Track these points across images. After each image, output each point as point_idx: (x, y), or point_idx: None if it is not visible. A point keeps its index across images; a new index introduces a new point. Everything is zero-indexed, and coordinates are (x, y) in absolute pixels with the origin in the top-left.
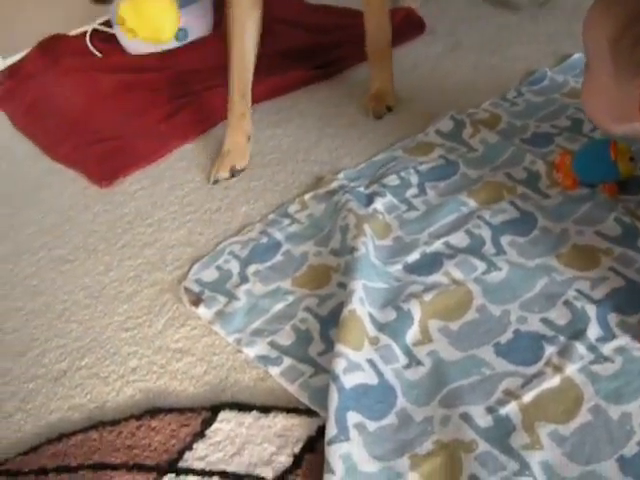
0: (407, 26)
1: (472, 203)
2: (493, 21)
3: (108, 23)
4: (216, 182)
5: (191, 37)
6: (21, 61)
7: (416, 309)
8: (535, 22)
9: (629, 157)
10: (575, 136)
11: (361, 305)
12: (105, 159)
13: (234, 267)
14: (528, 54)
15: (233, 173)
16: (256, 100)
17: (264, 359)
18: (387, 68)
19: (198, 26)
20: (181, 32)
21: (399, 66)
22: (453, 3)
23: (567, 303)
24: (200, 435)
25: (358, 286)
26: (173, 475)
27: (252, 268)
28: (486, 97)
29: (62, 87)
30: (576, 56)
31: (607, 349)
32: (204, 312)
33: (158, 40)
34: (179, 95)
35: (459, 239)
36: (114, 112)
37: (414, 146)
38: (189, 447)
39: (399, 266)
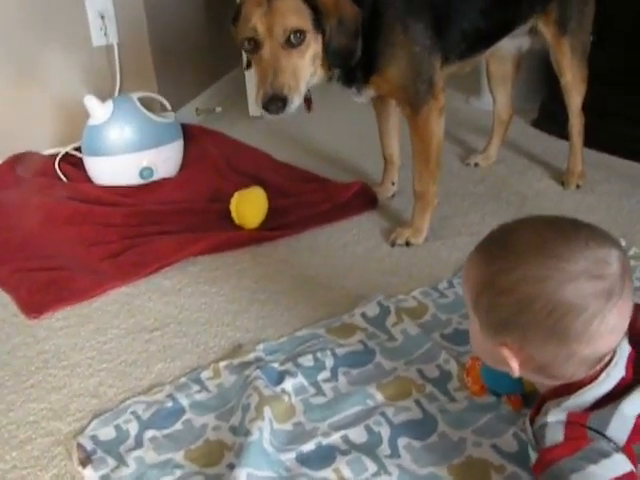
0: (359, 199)
1: (379, 397)
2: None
3: (79, 148)
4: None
5: (156, 177)
6: None
7: None
8: (482, 212)
9: None
10: None
11: None
12: (40, 289)
13: (133, 429)
14: (468, 245)
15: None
16: (198, 252)
17: None
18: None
19: (165, 167)
20: (146, 171)
21: (341, 239)
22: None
23: None
24: None
25: (242, 475)
26: None
27: (150, 433)
28: (419, 283)
29: (20, 206)
30: None
31: None
32: (90, 474)
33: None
34: (130, 235)
35: (357, 434)
36: (63, 241)
37: (337, 326)
38: None
39: (292, 454)
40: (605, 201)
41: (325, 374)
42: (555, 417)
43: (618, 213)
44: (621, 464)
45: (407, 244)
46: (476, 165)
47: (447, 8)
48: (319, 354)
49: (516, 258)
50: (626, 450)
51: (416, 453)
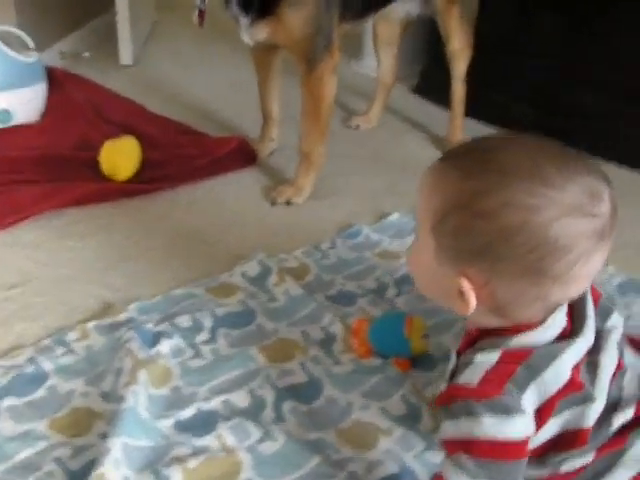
0: (237, 155)
1: (261, 359)
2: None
3: None
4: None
5: (15, 121)
6: None
7: (177, 477)
8: (363, 174)
9: (423, 334)
10: (378, 300)
11: (115, 468)
12: None
13: None
14: (350, 206)
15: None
16: (63, 205)
17: None
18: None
19: (25, 111)
20: (3, 114)
21: (219, 195)
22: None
23: None
24: None
25: (116, 444)
26: None
27: (7, 401)
28: (300, 244)
29: None
30: (394, 216)
31: None
32: None
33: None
34: None
35: (240, 398)
36: None
37: (216, 286)
38: None
39: (170, 421)
40: None
41: (204, 335)
42: (485, 357)
43: None
44: (517, 427)
45: (288, 203)
46: (357, 127)
47: None
48: (197, 314)
49: (502, 179)
50: (548, 404)
51: (302, 417)
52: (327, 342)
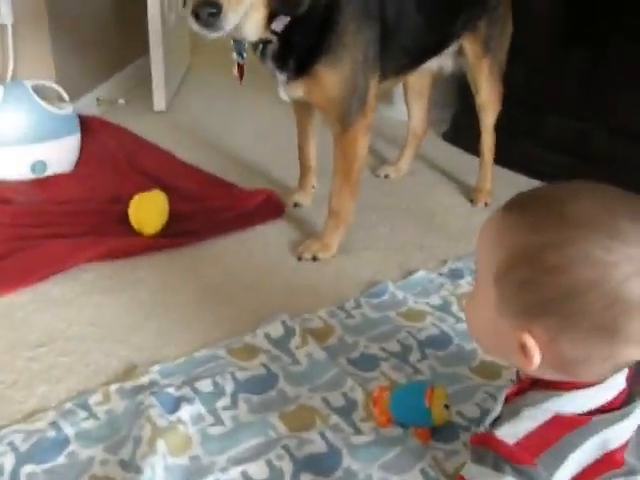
0: (265, 208)
1: (281, 428)
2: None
3: None
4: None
5: (49, 172)
6: None
7: None
8: (391, 226)
9: (444, 404)
10: (401, 365)
11: None
12: None
13: (8, 463)
14: (376, 260)
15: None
16: (93, 259)
17: None
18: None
19: (60, 162)
20: (39, 165)
21: (246, 250)
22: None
23: None
24: None
25: None
26: None
27: (27, 468)
28: (325, 301)
29: None
30: (420, 274)
31: None
32: None
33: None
34: (17, 236)
35: (258, 469)
36: None
37: (239, 347)
38: None
39: None
40: None
41: (225, 401)
42: (532, 414)
43: None
44: None
45: (314, 259)
46: (387, 177)
47: (395, 22)
48: (218, 378)
49: (575, 231)
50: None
51: None
52: (348, 409)
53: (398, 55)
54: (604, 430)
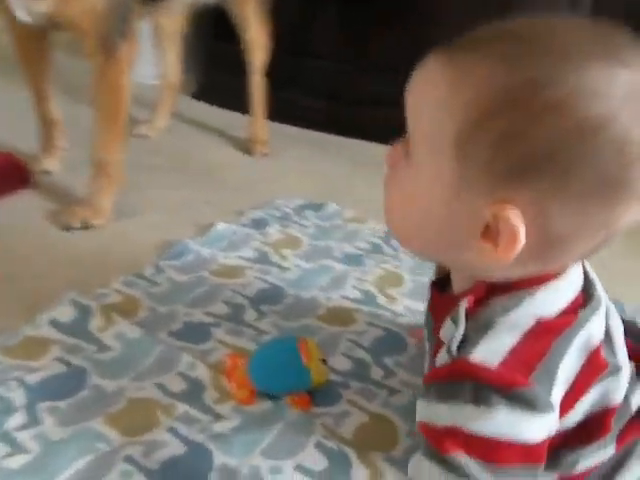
0: (7, 176)
1: (113, 435)
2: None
3: None
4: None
5: None
6: None
7: None
8: (167, 186)
9: (321, 359)
10: (238, 327)
11: None
12: None
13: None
14: (162, 222)
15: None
16: None
17: None
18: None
19: None
20: None
21: None
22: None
23: None
24: None
25: None
26: None
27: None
28: (116, 273)
29: None
30: (221, 226)
31: None
32: None
33: None
34: None
35: None
36: None
37: (17, 344)
38: None
39: None
40: (296, 166)
41: (18, 419)
42: (511, 321)
43: (313, 176)
44: (541, 428)
45: (86, 227)
46: (145, 136)
47: None
48: (1, 389)
49: (570, 63)
50: (576, 387)
51: None
52: (194, 393)
53: None
54: (586, 325)
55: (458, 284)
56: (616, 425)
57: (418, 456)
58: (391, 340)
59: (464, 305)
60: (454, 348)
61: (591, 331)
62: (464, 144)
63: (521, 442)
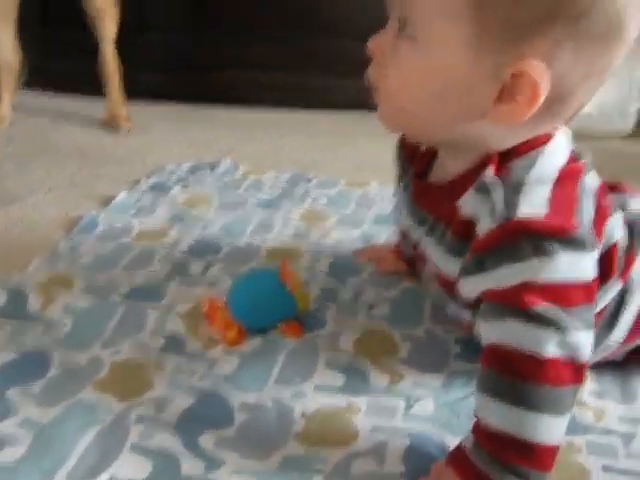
0: None
1: (112, 402)
2: None
3: None
4: None
5: None
6: None
7: None
8: (48, 168)
9: (301, 283)
10: (191, 280)
11: None
12: None
13: None
14: (57, 199)
15: None
16: None
17: None
18: None
19: None
20: None
21: None
22: None
23: None
24: None
25: None
26: None
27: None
28: (31, 254)
29: None
30: (122, 196)
31: None
32: None
33: None
34: None
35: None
36: None
37: None
38: None
39: None
40: (167, 136)
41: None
42: (539, 174)
43: (187, 143)
44: (591, 267)
45: None
46: None
47: None
48: None
49: None
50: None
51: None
52: (176, 346)
53: None
54: (588, 172)
55: (453, 169)
56: (618, 263)
57: (504, 321)
58: (344, 264)
59: (490, 173)
60: (500, 209)
61: (591, 178)
62: (479, 5)
63: (583, 282)
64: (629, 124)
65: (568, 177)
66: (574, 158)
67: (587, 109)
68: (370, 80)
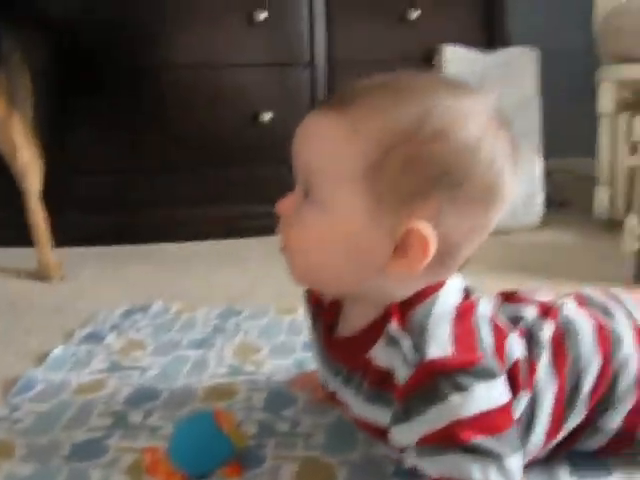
0: None
1: None
2: None
3: None
4: None
5: None
6: None
7: None
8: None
9: (236, 424)
10: (132, 432)
11: None
12: None
13: None
14: None
15: None
16: None
17: None
18: None
19: None
20: None
21: None
22: None
23: None
24: None
25: None
26: None
27: None
28: None
29: None
30: (57, 351)
31: None
32: None
33: None
34: None
35: None
36: None
37: None
38: None
39: None
40: (99, 280)
41: None
42: (438, 317)
43: (119, 285)
44: (504, 390)
45: None
46: None
47: None
48: None
49: (442, 95)
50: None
51: None
52: None
53: None
54: (480, 303)
55: (358, 321)
56: (522, 377)
57: (444, 456)
58: (279, 396)
59: (394, 325)
60: (410, 356)
61: (484, 306)
62: (371, 177)
63: (502, 406)
64: (536, 218)
65: (464, 314)
66: (467, 294)
67: None
68: (279, 239)
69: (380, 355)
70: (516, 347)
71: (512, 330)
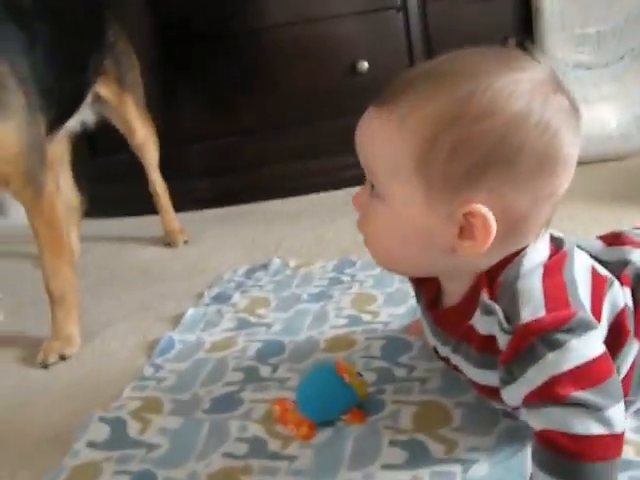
0: None
1: None
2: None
3: None
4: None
5: None
6: None
7: None
8: (115, 298)
9: (358, 373)
10: (263, 384)
11: None
12: None
13: None
14: (131, 327)
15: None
16: None
17: None
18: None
19: None
20: None
21: None
22: None
23: None
24: None
25: None
26: None
27: None
28: (121, 383)
29: None
30: (190, 313)
31: None
32: None
33: None
34: None
35: None
36: None
37: (67, 478)
38: None
39: None
40: (220, 243)
41: None
42: (528, 280)
43: (239, 246)
44: (599, 341)
45: (62, 358)
46: None
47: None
48: None
49: (483, 76)
50: (596, 304)
51: None
52: (259, 449)
53: (52, 99)
54: (575, 255)
55: (455, 293)
56: (630, 324)
57: (545, 410)
58: (395, 344)
59: (485, 296)
60: (505, 325)
61: (581, 258)
62: (424, 166)
63: (599, 356)
64: None
65: (553, 269)
66: (555, 249)
67: (606, 132)
68: (358, 228)
69: (480, 323)
70: (620, 298)
71: (614, 278)
